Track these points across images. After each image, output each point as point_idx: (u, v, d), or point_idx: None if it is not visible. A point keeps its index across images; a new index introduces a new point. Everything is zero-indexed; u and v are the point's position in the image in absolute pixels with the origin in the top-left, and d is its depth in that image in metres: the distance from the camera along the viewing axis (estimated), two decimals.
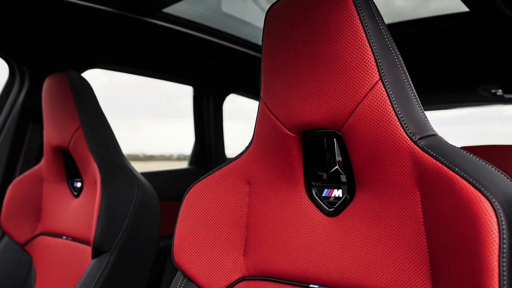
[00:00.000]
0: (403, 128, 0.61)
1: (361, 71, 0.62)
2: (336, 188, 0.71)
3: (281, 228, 0.74)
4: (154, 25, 1.69)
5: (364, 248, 0.65)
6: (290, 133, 0.71)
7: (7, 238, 1.37)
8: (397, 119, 0.61)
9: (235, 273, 0.77)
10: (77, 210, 1.27)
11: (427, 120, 0.65)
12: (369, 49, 0.61)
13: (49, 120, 1.32)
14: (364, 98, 0.62)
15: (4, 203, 1.37)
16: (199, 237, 0.78)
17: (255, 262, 0.76)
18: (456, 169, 0.55)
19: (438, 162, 0.57)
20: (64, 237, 1.29)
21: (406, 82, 0.64)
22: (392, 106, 0.61)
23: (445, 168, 0.56)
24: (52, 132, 1.31)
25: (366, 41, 0.61)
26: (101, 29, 1.64)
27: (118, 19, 1.59)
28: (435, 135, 0.64)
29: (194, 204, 0.80)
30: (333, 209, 0.70)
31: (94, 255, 1.12)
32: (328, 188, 0.72)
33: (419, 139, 0.61)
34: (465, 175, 0.54)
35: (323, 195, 0.72)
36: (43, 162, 1.40)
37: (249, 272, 0.77)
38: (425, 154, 0.59)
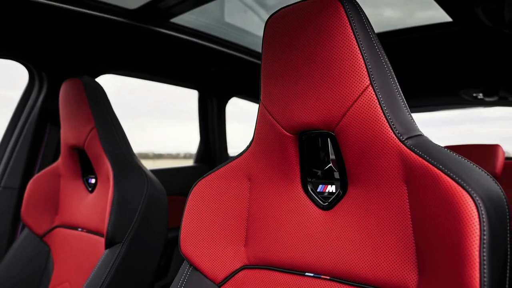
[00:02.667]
0: (391, 128, 0.61)
1: (353, 76, 0.62)
2: (330, 184, 0.71)
3: (279, 221, 0.74)
4: (163, 34, 1.69)
5: (355, 239, 0.65)
6: (287, 134, 0.71)
7: (27, 230, 1.37)
8: (385, 121, 0.61)
9: (237, 262, 0.77)
10: (92, 204, 1.27)
11: (414, 121, 0.65)
12: (360, 56, 0.61)
13: (65, 121, 1.32)
14: (355, 101, 0.62)
15: (24, 197, 1.38)
16: (204, 229, 0.78)
17: (255, 252, 0.76)
18: (440, 166, 0.55)
19: (423, 160, 0.57)
20: (79, 229, 1.29)
21: (394, 86, 0.64)
22: (381, 109, 0.61)
23: (430, 166, 0.56)
24: (68, 132, 1.31)
25: (358, 48, 0.61)
26: (115, 38, 1.64)
27: (130, 29, 1.59)
28: (421, 135, 0.64)
29: (199, 198, 0.80)
30: (327, 203, 0.70)
31: (107, 246, 1.12)
32: (322, 184, 0.72)
33: (406, 139, 0.61)
34: (449, 172, 0.54)
35: (318, 190, 0.72)
36: (60, 160, 1.40)
37: (249, 261, 0.77)
38: (412, 153, 0.59)
